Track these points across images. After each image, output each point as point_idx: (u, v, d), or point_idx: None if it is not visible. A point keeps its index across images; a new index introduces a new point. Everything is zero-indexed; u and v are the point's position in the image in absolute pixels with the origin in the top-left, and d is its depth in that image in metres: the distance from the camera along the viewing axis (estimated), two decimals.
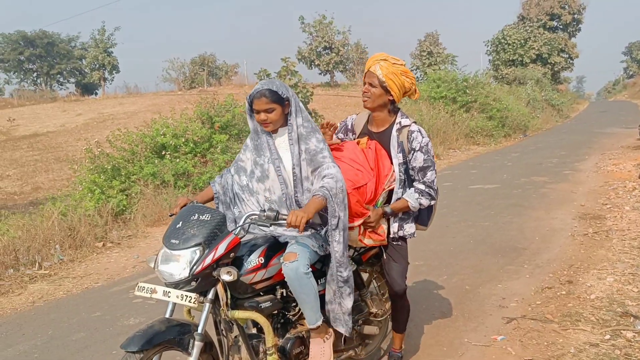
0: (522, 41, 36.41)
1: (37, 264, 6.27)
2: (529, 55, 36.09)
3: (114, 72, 41.35)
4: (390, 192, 3.15)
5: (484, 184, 10.48)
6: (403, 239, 3.25)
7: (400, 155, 3.12)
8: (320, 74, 36.95)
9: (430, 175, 3.10)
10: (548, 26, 38.92)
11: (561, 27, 39.88)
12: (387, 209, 3.08)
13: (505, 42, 36.74)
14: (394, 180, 3.12)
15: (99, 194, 9.27)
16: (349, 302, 2.91)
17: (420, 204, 3.10)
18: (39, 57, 44.59)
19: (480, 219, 7.55)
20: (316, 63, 35.57)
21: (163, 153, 10.59)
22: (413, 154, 3.10)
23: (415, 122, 3.18)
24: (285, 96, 2.84)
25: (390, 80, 3.07)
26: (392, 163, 3.14)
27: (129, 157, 10.34)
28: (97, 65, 40.56)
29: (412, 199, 3.08)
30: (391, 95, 3.11)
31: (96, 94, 43.54)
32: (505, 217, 7.60)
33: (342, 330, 2.95)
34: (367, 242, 3.12)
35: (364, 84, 3.19)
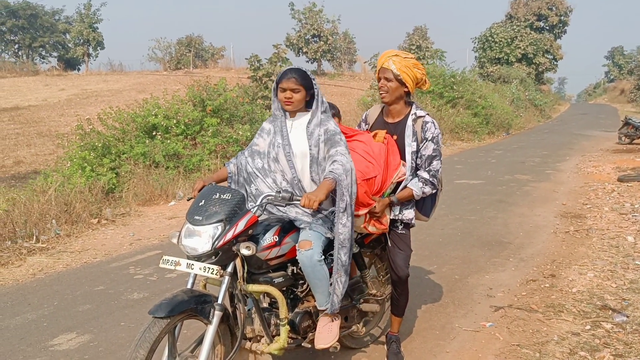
0: (509, 40, 36.88)
1: (34, 237, 6.34)
2: (514, 54, 36.59)
3: (98, 48, 40.72)
4: (398, 184, 3.32)
5: (469, 179, 10.76)
6: (407, 227, 3.45)
7: (414, 144, 3.30)
8: (307, 61, 36.94)
9: (435, 164, 3.29)
10: (535, 26, 39.49)
11: (547, 28, 40.49)
12: (394, 198, 3.27)
13: (492, 40, 37.17)
14: (403, 174, 3.29)
15: (90, 171, 9.31)
16: (340, 287, 3.03)
17: (423, 192, 3.29)
18: (22, 29, 43.73)
19: (467, 212, 7.81)
20: (304, 50, 35.56)
21: (154, 133, 10.63)
22: (425, 143, 3.29)
23: (428, 114, 3.36)
24: (312, 83, 3.06)
25: (404, 73, 3.24)
26: (401, 157, 3.32)
27: (120, 136, 10.37)
28: (82, 41, 39.88)
29: (416, 187, 3.26)
30: (406, 87, 3.29)
31: (79, 69, 42.90)
32: (490, 212, 7.87)
33: (323, 306, 3.06)
34: (371, 229, 3.29)
35: (379, 79, 3.35)
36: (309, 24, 34.85)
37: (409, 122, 3.33)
